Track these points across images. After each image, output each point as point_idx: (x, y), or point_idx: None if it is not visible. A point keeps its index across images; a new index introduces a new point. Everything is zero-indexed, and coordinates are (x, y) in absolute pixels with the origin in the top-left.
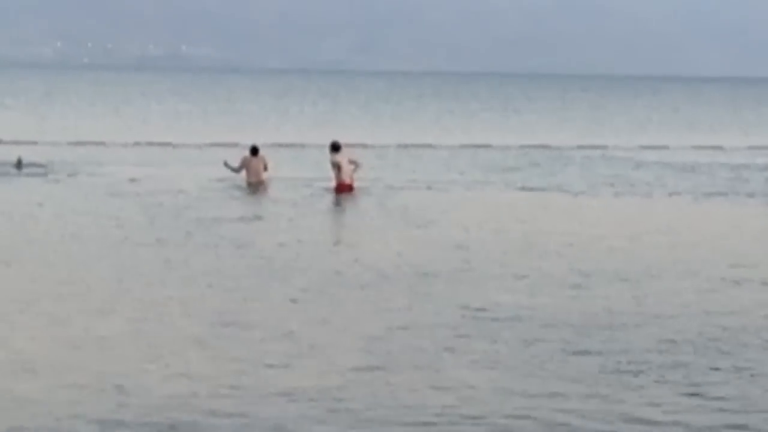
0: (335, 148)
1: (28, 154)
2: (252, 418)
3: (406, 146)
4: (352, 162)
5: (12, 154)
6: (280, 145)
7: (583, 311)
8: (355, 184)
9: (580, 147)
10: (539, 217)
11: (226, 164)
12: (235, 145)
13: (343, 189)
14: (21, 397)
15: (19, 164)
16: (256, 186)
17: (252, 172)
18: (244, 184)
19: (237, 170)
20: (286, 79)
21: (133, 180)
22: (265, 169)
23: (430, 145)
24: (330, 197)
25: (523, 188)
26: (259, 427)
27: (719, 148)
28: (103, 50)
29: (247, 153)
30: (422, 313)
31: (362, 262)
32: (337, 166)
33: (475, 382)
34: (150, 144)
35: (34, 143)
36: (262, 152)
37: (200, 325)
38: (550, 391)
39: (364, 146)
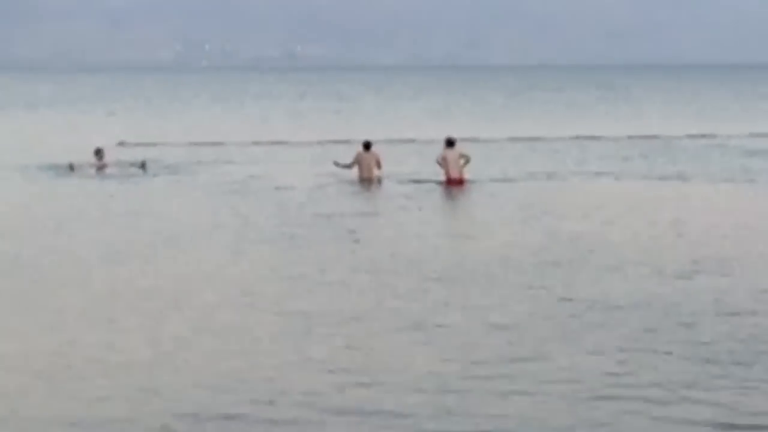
0: (450, 143)
1: (152, 156)
2: (377, 407)
3: (518, 139)
4: (462, 156)
5: (137, 156)
6: (394, 141)
7: (699, 300)
8: (466, 177)
9: (691, 136)
10: (654, 207)
11: (336, 163)
12: (348, 141)
13: (453, 183)
14: (167, 388)
15: (143, 165)
16: (368, 182)
17: (364, 167)
18: (356, 179)
19: (349, 166)
20: (399, 75)
21: (252, 178)
22: (378, 165)
23: (541, 138)
24: (442, 191)
25: (636, 178)
26: (383, 414)
27: None
28: (221, 52)
29: (360, 149)
30: (542, 303)
31: (480, 254)
32: (447, 161)
33: (591, 368)
34: (267, 143)
35: (157, 145)
36: (374, 148)
37: (332, 317)
38: (669, 379)
39: (477, 140)
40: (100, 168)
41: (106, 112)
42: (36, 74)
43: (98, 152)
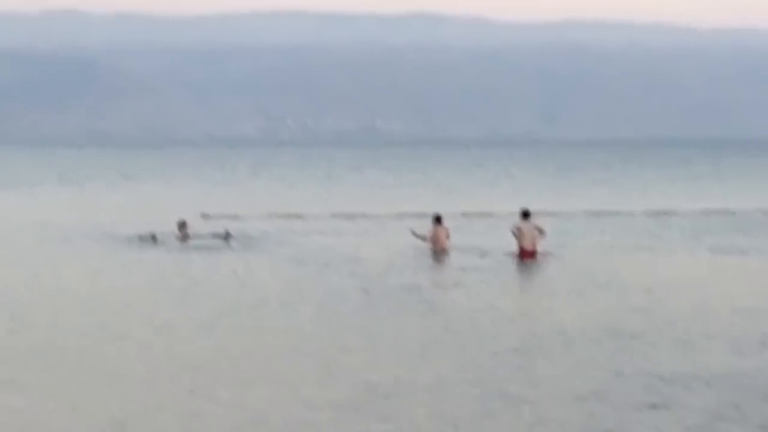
0: (525, 215)
1: (234, 228)
2: None
3: (593, 213)
4: (537, 228)
5: (219, 227)
6: (468, 214)
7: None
8: (539, 250)
9: (766, 212)
10: (724, 281)
11: (413, 233)
12: (424, 215)
13: (526, 255)
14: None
15: (226, 237)
16: (439, 254)
17: (436, 240)
18: (429, 251)
19: (425, 238)
20: (476, 149)
21: (332, 249)
22: (447, 237)
23: (616, 212)
24: (515, 263)
25: (708, 252)
26: None
27: None
28: (302, 126)
29: (432, 223)
30: (619, 375)
31: (554, 325)
32: (522, 232)
33: None
34: (346, 215)
35: (239, 217)
36: (448, 221)
37: (411, 387)
38: None
39: (552, 214)
40: (184, 239)
41: (200, 213)
42: (123, 148)
43: (182, 225)
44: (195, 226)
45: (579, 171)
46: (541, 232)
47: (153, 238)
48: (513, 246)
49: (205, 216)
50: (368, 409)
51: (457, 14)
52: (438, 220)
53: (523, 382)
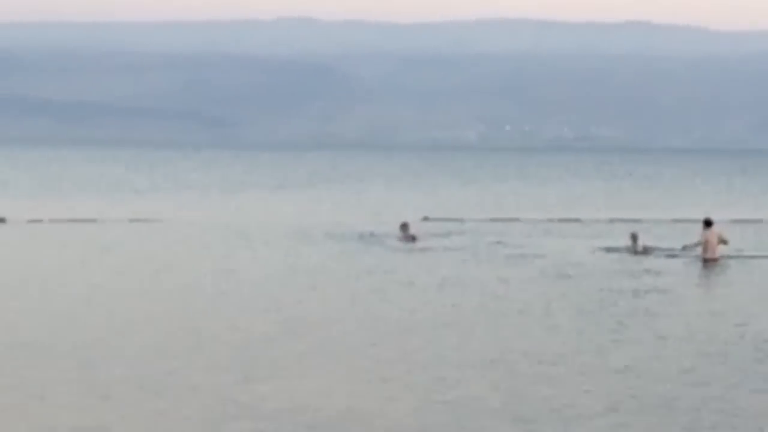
0: (707, 223)
1: (453, 230)
2: None
3: None
4: (720, 238)
5: (440, 230)
6: (682, 221)
7: None
8: (720, 256)
9: None
10: None
11: (684, 247)
12: (640, 221)
13: (708, 262)
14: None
15: (414, 238)
16: (712, 262)
17: (707, 246)
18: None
19: (695, 246)
20: (689, 158)
21: (547, 253)
22: (720, 241)
23: None
24: (701, 268)
25: None
26: None
27: None
28: (521, 133)
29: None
30: None
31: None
32: (705, 241)
33: None
34: (561, 220)
35: (459, 220)
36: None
37: (636, 400)
38: None
39: (759, 221)
40: (406, 240)
41: (422, 216)
42: (351, 151)
43: (404, 226)
44: (417, 227)
45: None
46: (723, 241)
47: (379, 239)
48: (700, 252)
49: (426, 219)
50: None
51: (674, 23)
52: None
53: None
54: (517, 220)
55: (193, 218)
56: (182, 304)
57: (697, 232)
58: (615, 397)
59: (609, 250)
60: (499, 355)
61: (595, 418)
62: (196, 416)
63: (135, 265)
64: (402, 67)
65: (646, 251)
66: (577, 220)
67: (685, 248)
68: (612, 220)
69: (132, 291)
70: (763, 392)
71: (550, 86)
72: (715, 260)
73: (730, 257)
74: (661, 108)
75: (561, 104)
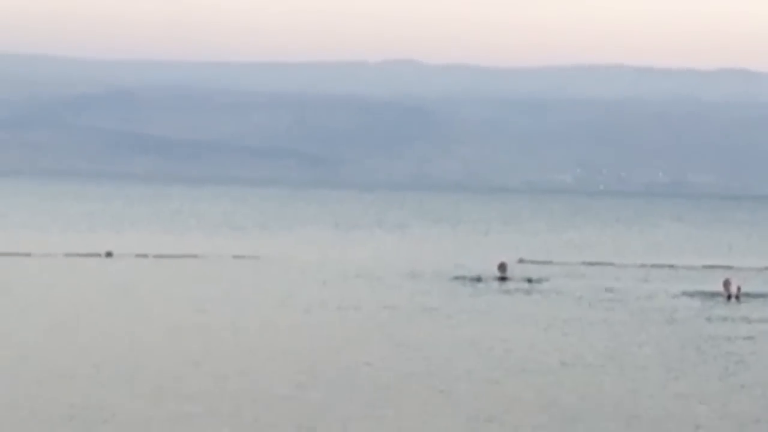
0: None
1: (546, 273)
2: None
3: None
4: None
5: (534, 272)
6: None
7: None
8: None
9: None
10: None
11: None
12: (731, 267)
13: None
14: None
15: (530, 280)
16: None
17: None
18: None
19: None
20: None
21: (643, 298)
22: None
23: None
24: None
25: None
26: None
27: None
28: (617, 177)
29: None
30: None
31: None
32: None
33: None
34: (654, 266)
35: (552, 263)
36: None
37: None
38: None
39: None
40: (503, 280)
41: (518, 258)
42: (449, 193)
43: (502, 266)
44: (513, 269)
45: None
46: None
47: (478, 279)
48: None
49: (521, 261)
50: None
51: None
52: None
53: None
54: (611, 264)
55: (298, 256)
56: (297, 339)
57: None
58: None
59: (703, 295)
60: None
61: None
62: None
63: (249, 300)
64: (500, 111)
65: (509, 278)
66: (671, 266)
67: None
68: (706, 267)
69: (248, 326)
70: None
71: (645, 132)
72: None
73: None
74: (757, 155)
75: (657, 150)
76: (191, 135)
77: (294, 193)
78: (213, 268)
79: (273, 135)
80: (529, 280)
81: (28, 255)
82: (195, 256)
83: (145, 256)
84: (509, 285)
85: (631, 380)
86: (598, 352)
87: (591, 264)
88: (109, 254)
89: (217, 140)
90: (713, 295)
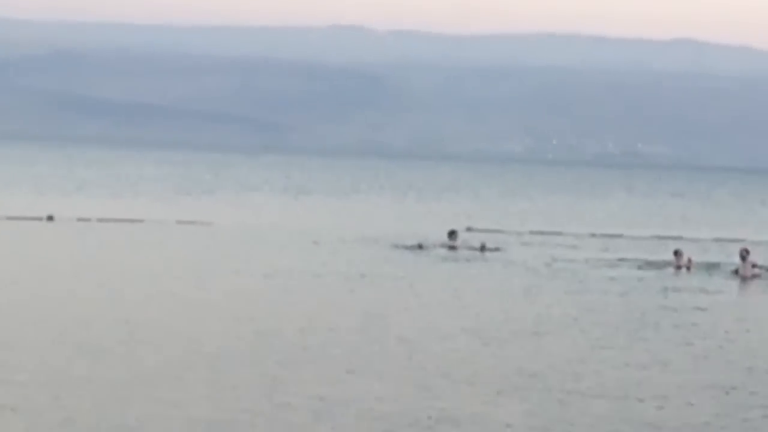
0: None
1: (491, 240)
2: None
3: None
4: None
5: (477, 240)
6: (721, 240)
7: None
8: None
9: None
10: None
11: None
12: (680, 238)
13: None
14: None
15: (482, 248)
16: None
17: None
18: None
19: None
20: (734, 177)
21: (589, 268)
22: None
23: None
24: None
25: None
26: None
27: None
28: (566, 147)
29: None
30: None
31: None
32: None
33: None
34: (603, 235)
35: (500, 231)
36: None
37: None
38: None
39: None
40: (452, 248)
41: (465, 227)
42: (398, 161)
43: (452, 234)
44: (461, 237)
45: None
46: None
47: (419, 247)
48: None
49: (469, 229)
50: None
51: (723, 42)
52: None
53: None
54: (559, 233)
55: (242, 222)
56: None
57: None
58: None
59: (653, 265)
60: (526, 369)
61: None
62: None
63: (177, 266)
64: (451, 78)
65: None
66: (621, 236)
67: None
68: (656, 237)
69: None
70: None
71: (597, 102)
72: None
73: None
74: (707, 127)
75: (607, 120)
76: (138, 98)
77: (242, 159)
78: (160, 233)
79: (221, 100)
80: (480, 248)
81: None
82: (141, 221)
83: (87, 220)
84: (458, 253)
85: (589, 350)
86: (552, 321)
87: (541, 233)
88: (50, 218)
89: (164, 104)
90: (664, 265)
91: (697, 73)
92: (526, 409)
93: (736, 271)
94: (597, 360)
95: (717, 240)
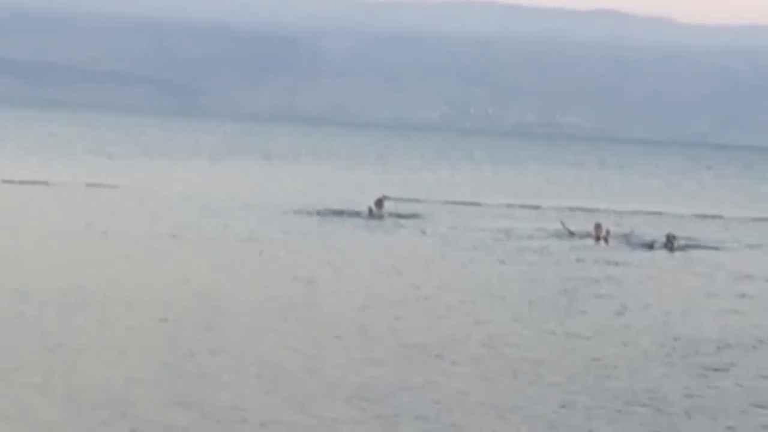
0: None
1: (412, 210)
2: None
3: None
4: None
5: (397, 209)
6: (632, 212)
7: None
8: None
9: None
10: None
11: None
12: (596, 210)
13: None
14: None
15: (373, 211)
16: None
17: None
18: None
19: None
20: (651, 149)
21: (503, 236)
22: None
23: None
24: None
25: None
26: None
27: None
28: (484, 116)
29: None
30: None
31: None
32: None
33: None
34: (519, 206)
35: (417, 201)
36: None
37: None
38: None
39: (709, 216)
40: (379, 217)
41: (382, 195)
42: (314, 127)
43: (379, 202)
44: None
45: (742, 178)
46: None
47: (345, 214)
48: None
49: (385, 198)
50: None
51: (642, 13)
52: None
53: None
54: (476, 204)
55: (149, 186)
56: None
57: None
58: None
59: (571, 237)
60: (444, 338)
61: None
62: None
63: (82, 230)
64: (368, 44)
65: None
66: (537, 207)
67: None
68: (573, 209)
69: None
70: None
71: (515, 71)
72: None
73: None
74: (626, 98)
75: (525, 90)
76: (44, 57)
77: (152, 122)
78: (67, 196)
79: (130, 60)
80: (397, 216)
81: None
82: (45, 183)
83: None
84: (376, 222)
85: (516, 322)
86: (474, 292)
87: (458, 203)
88: None
89: (71, 64)
90: (582, 237)
91: (616, 44)
92: (479, 377)
93: (651, 245)
94: (538, 331)
95: (635, 212)
